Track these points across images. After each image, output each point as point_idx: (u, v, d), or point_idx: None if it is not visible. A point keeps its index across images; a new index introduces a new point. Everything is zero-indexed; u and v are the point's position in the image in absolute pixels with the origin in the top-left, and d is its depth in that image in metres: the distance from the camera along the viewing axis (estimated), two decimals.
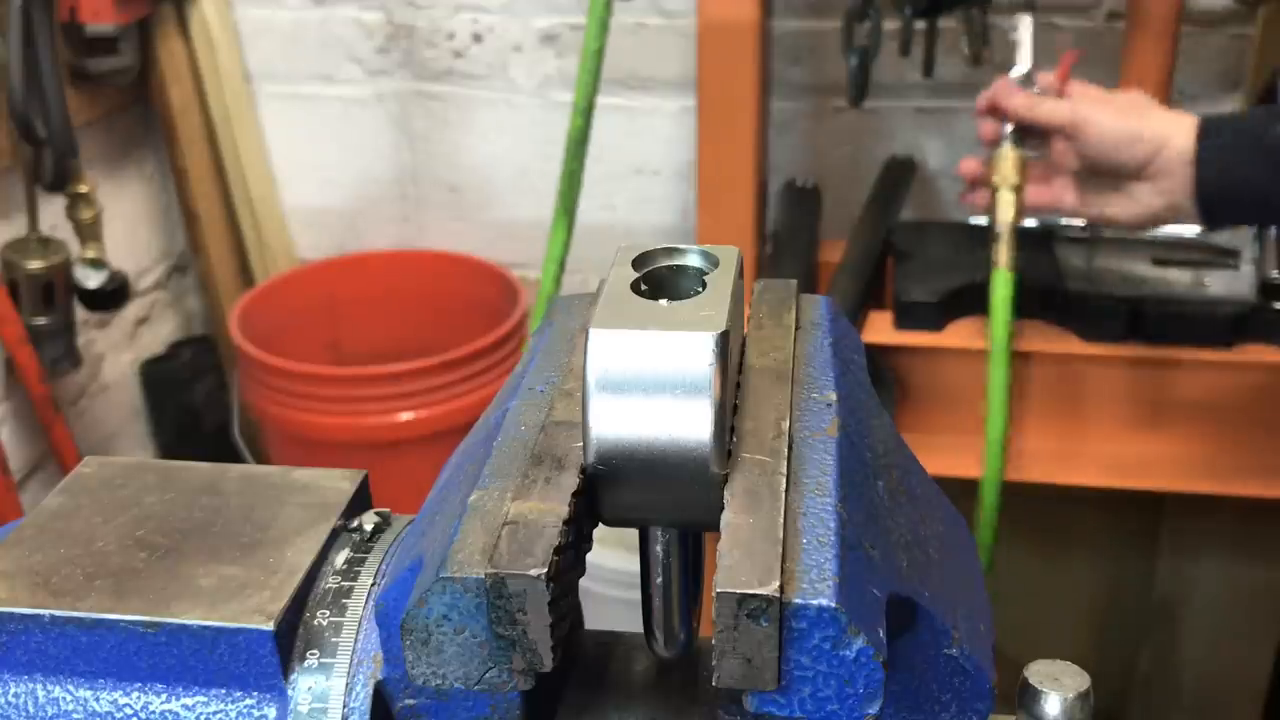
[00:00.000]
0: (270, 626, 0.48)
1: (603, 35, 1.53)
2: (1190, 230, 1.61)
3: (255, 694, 0.49)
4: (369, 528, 0.55)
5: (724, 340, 0.42)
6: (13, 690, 0.50)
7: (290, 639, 0.49)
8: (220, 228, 2.28)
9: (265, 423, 2.05)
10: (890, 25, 1.61)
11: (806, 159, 2.07)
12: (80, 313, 1.97)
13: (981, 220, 1.79)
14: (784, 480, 0.44)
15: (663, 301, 0.45)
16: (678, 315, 0.44)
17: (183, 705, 0.49)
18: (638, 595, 0.48)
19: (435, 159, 2.24)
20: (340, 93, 2.23)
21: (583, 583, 0.46)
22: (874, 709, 0.41)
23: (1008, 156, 1.35)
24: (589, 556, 0.46)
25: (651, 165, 2.14)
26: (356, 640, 0.50)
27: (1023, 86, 1.36)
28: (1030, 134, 1.35)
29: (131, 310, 2.22)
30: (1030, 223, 1.71)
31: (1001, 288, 1.39)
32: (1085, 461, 1.58)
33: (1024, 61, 1.39)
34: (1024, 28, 1.42)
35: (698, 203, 1.65)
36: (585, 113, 1.56)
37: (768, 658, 0.40)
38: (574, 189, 1.62)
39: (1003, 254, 1.37)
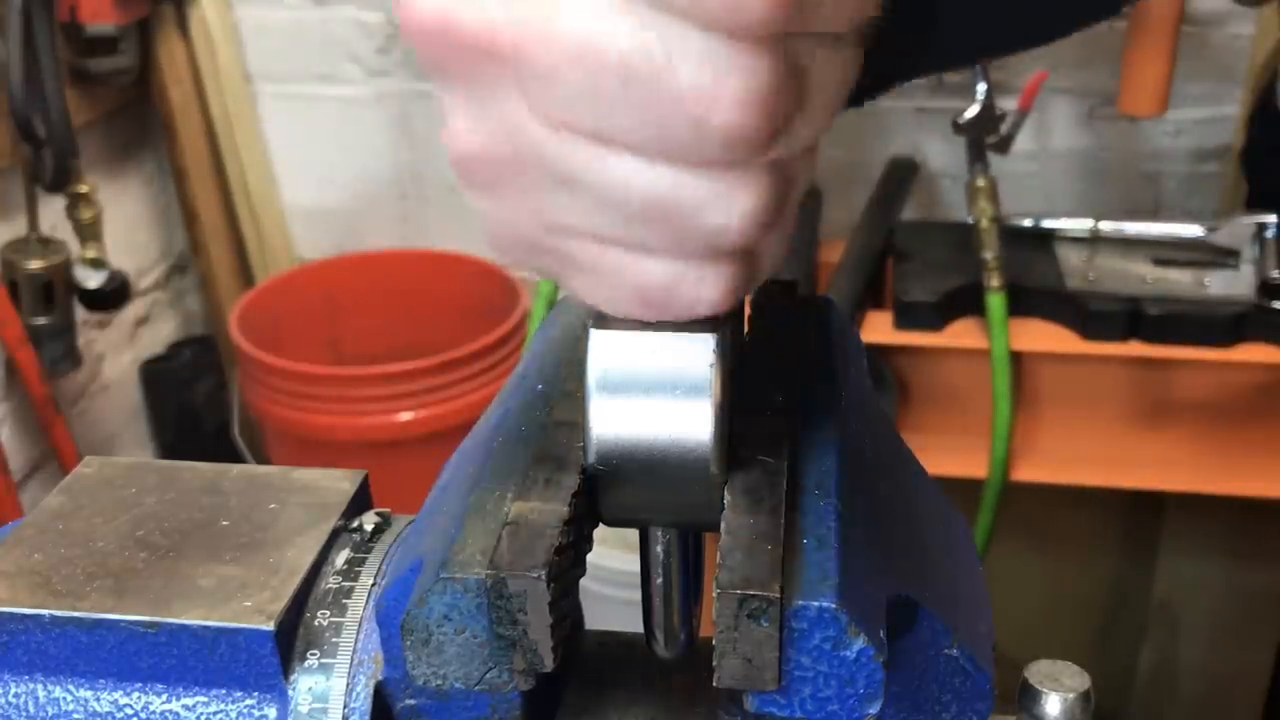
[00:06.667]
0: (270, 626, 0.48)
1: None
2: (1190, 230, 1.61)
3: (255, 694, 0.49)
4: (369, 528, 0.54)
5: (724, 340, 0.42)
6: (13, 690, 0.50)
7: (290, 639, 0.49)
8: (220, 228, 2.28)
9: (265, 423, 2.05)
10: None
11: None
12: (80, 313, 1.97)
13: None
14: (784, 480, 0.44)
15: None
16: None
17: (183, 705, 0.49)
18: (638, 595, 0.48)
19: (435, 159, 2.24)
20: (340, 93, 2.23)
21: (583, 583, 0.46)
22: (874, 709, 0.41)
23: None
24: (589, 556, 0.46)
25: None
26: (357, 640, 0.50)
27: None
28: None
29: (131, 310, 2.22)
30: (1030, 222, 1.72)
31: None
32: (1085, 461, 1.58)
33: None
34: None
35: None
36: None
37: (768, 658, 0.40)
38: None
39: None
